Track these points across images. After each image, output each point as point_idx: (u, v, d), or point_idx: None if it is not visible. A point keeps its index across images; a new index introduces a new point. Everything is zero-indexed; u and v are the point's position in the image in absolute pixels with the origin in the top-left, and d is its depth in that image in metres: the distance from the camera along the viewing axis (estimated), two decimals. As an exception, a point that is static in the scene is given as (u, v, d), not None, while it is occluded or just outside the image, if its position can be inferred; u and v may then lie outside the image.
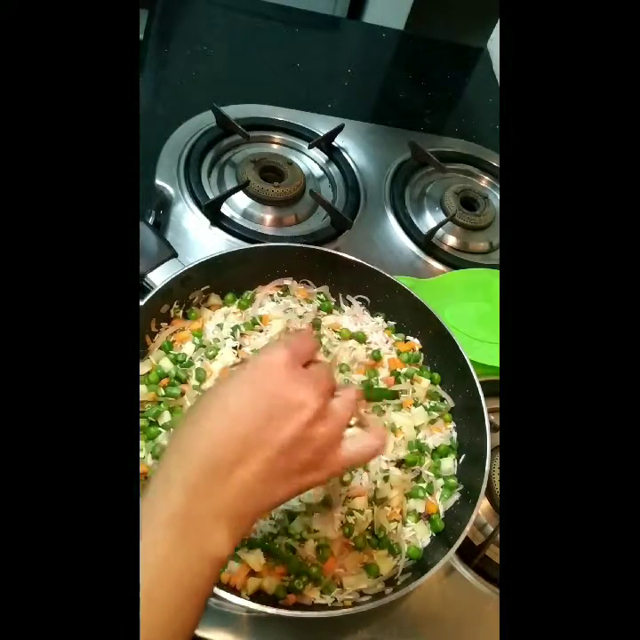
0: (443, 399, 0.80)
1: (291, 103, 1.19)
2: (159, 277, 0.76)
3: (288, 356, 0.44)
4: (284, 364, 0.44)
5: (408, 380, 0.79)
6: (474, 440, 0.73)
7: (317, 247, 0.84)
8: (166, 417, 0.71)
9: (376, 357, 0.80)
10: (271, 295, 0.83)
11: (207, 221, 0.97)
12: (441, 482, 0.73)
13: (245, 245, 0.89)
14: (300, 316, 0.81)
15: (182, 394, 0.72)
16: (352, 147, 1.18)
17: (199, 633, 0.64)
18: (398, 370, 0.80)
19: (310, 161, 1.14)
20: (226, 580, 0.62)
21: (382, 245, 1.05)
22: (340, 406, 0.46)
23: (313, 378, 0.45)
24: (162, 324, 0.78)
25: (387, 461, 0.71)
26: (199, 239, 0.95)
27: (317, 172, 1.14)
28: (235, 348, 0.76)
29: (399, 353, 0.83)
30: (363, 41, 1.50)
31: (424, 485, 0.72)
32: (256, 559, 0.62)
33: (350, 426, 0.50)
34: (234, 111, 1.10)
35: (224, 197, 0.98)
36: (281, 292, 0.84)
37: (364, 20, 1.72)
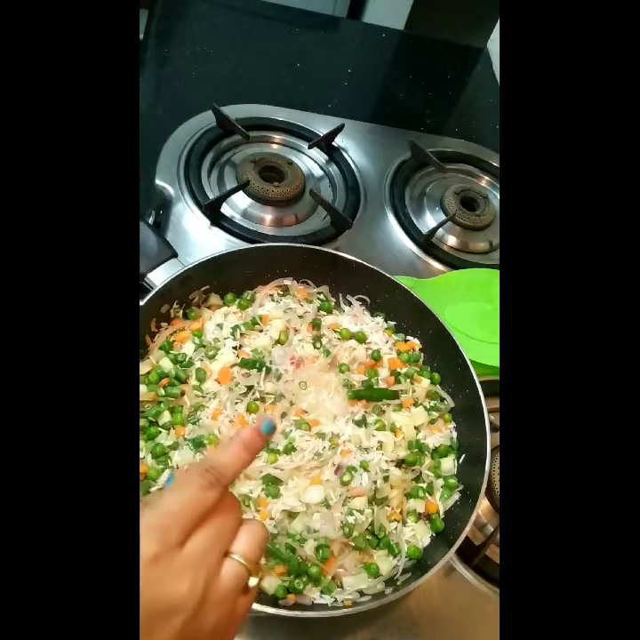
0: (443, 399, 0.80)
1: (291, 103, 1.19)
2: (159, 277, 0.76)
3: (156, 548, 0.38)
4: (149, 559, 0.37)
5: (408, 380, 0.79)
6: (474, 440, 0.73)
7: (317, 247, 0.84)
8: (166, 417, 0.71)
9: (376, 357, 0.80)
10: (271, 295, 0.83)
11: (207, 221, 0.97)
12: (441, 482, 0.73)
13: (245, 245, 0.89)
14: (300, 316, 0.81)
15: (182, 394, 0.72)
16: (352, 147, 1.18)
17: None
18: (398, 370, 0.80)
19: (310, 161, 1.15)
20: (226, 580, 0.62)
21: (382, 245, 1.05)
22: (232, 575, 0.41)
23: (191, 559, 0.39)
24: (162, 323, 0.78)
25: (387, 461, 0.71)
26: (199, 239, 0.95)
27: (317, 171, 1.14)
28: (235, 347, 0.76)
29: (399, 353, 0.83)
30: (363, 41, 1.50)
31: (424, 485, 0.72)
32: (256, 559, 0.62)
33: None
34: (234, 111, 1.10)
35: (224, 197, 0.98)
36: (281, 292, 0.84)
37: (364, 20, 1.72)
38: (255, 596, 0.44)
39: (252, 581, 0.43)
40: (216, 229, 0.97)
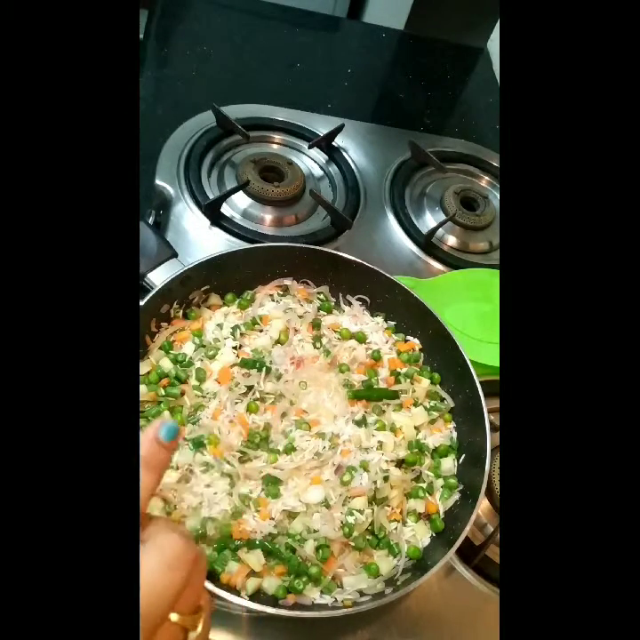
0: (443, 399, 0.80)
1: (291, 103, 1.19)
2: (159, 277, 0.76)
3: None
4: None
5: (408, 380, 0.79)
6: (474, 440, 0.73)
7: (317, 247, 0.84)
8: (166, 417, 0.71)
9: (376, 357, 0.80)
10: (271, 295, 0.83)
11: (207, 221, 0.97)
12: (441, 482, 0.73)
13: (245, 245, 0.89)
14: (300, 316, 0.81)
15: (182, 394, 0.72)
16: (352, 147, 1.18)
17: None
18: (398, 370, 0.80)
19: (310, 161, 1.15)
20: (226, 581, 0.62)
21: (382, 245, 1.05)
22: None
23: None
24: (162, 323, 0.78)
25: (387, 461, 0.71)
26: (199, 239, 0.95)
27: (317, 171, 1.14)
28: (235, 347, 0.76)
29: (399, 353, 0.83)
30: (363, 41, 1.50)
31: (424, 485, 0.72)
32: (256, 559, 0.62)
33: None
34: (234, 111, 1.10)
35: (224, 197, 0.98)
36: (281, 292, 0.84)
37: (364, 20, 1.72)
38: None
39: (191, 636, 0.36)
40: (216, 229, 0.97)
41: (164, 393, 0.72)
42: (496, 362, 0.86)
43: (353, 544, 0.66)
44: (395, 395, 0.76)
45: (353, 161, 1.15)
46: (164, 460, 0.38)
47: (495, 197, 1.21)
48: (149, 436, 0.37)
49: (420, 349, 0.84)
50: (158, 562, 0.34)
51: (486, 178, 1.24)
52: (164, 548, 0.35)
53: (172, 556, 0.34)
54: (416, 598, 0.71)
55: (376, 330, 0.84)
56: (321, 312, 0.84)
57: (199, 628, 0.36)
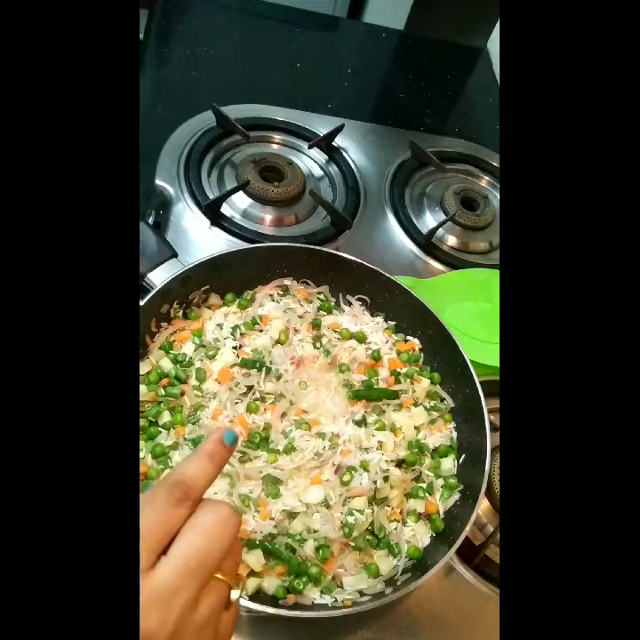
0: (443, 399, 0.80)
1: (291, 103, 1.19)
2: (159, 277, 0.76)
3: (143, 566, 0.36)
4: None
5: (408, 380, 0.79)
6: (474, 440, 0.73)
7: (317, 247, 0.84)
8: (166, 417, 0.71)
9: (376, 357, 0.80)
10: (271, 295, 0.83)
11: (207, 221, 0.97)
12: (441, 482, 0.73)
13: (245, 245, 0.89)
14: (300, 316, 0.81)
15: (182, 394, 0.72)
16: (352, 147, 1.18)
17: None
18: (398, 370, 0.80)
19: (310, 161, 1.15)
20: (226, 580, 0.62)
21: (382, 245, 1.05)
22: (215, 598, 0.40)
23: (163, 591, 0.36)
24: (162, 323, 0.78)
25: (387, 461, 0.71)
26: (199, 239, 0.95)
27: (317, 171, 1.14)
28: (235, 347, 0.76)
29: (399, 353, 0.83)
30: (363, 41, 1.50)
31: (424, 485, 0.72)
32: (256, 559, 0.62)
33: None
34: (234, 111, 1.10)
35: (224, 197, 0.98)
36: (281, 292, 0.84)
37: (364, 20, 1.72)
38: (238, 607, 0.42)
39: (234, 594, 0.41)
40: (216, 229, 0.97)
41: (163, 393, 0.72)
42: (496, 362, 0.86)
43: (353, 544, 0.66)
44: (395, 395, 0.76)
45: (353, 161, 1.15)
46: (224, 458, 0.44)
47: (495, 197, 1.21)
48: (217, 437, 0.44)
49: (420, 349, 0.84)
50: (213, 517, 0.40)
51: (486, 178, 1.24)
52: (216, 509, 0.41)
53: (223, 515, 0.41)
54: (416, 598, 0.71)
55: (376, 330, 0.84)
56: (321, 312, 0.84)
57: (240, 588, 0.42)
